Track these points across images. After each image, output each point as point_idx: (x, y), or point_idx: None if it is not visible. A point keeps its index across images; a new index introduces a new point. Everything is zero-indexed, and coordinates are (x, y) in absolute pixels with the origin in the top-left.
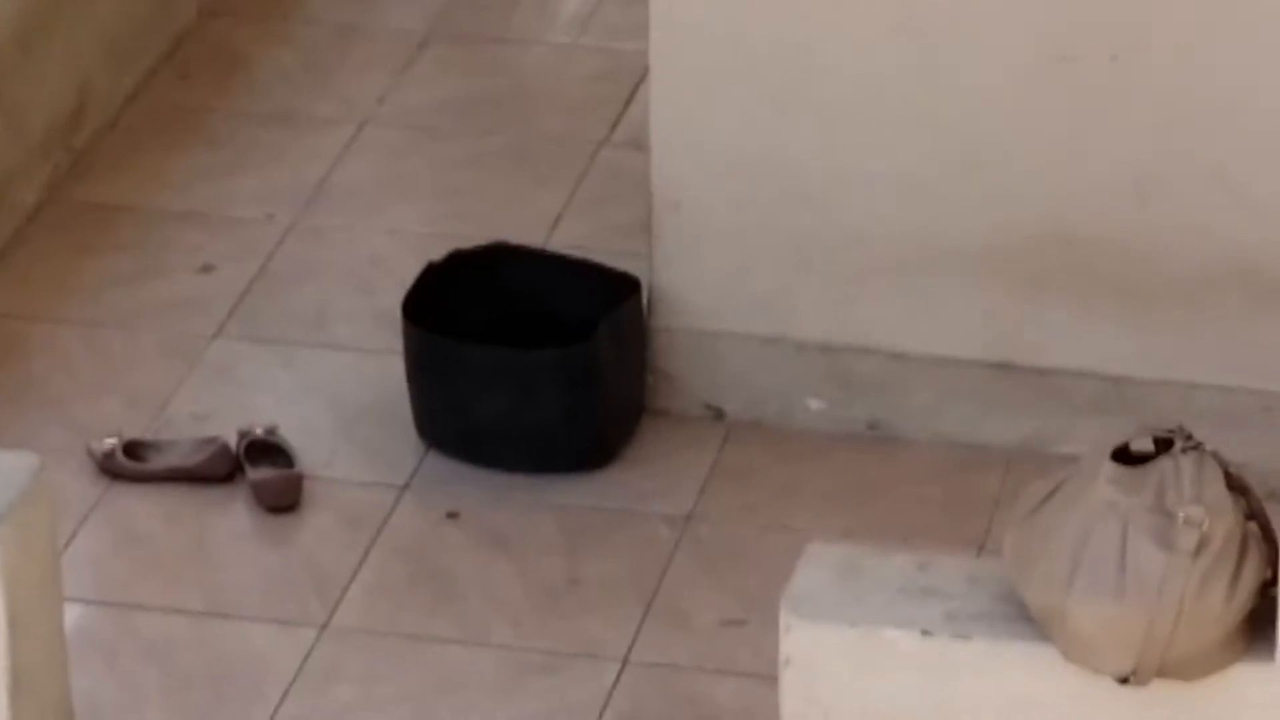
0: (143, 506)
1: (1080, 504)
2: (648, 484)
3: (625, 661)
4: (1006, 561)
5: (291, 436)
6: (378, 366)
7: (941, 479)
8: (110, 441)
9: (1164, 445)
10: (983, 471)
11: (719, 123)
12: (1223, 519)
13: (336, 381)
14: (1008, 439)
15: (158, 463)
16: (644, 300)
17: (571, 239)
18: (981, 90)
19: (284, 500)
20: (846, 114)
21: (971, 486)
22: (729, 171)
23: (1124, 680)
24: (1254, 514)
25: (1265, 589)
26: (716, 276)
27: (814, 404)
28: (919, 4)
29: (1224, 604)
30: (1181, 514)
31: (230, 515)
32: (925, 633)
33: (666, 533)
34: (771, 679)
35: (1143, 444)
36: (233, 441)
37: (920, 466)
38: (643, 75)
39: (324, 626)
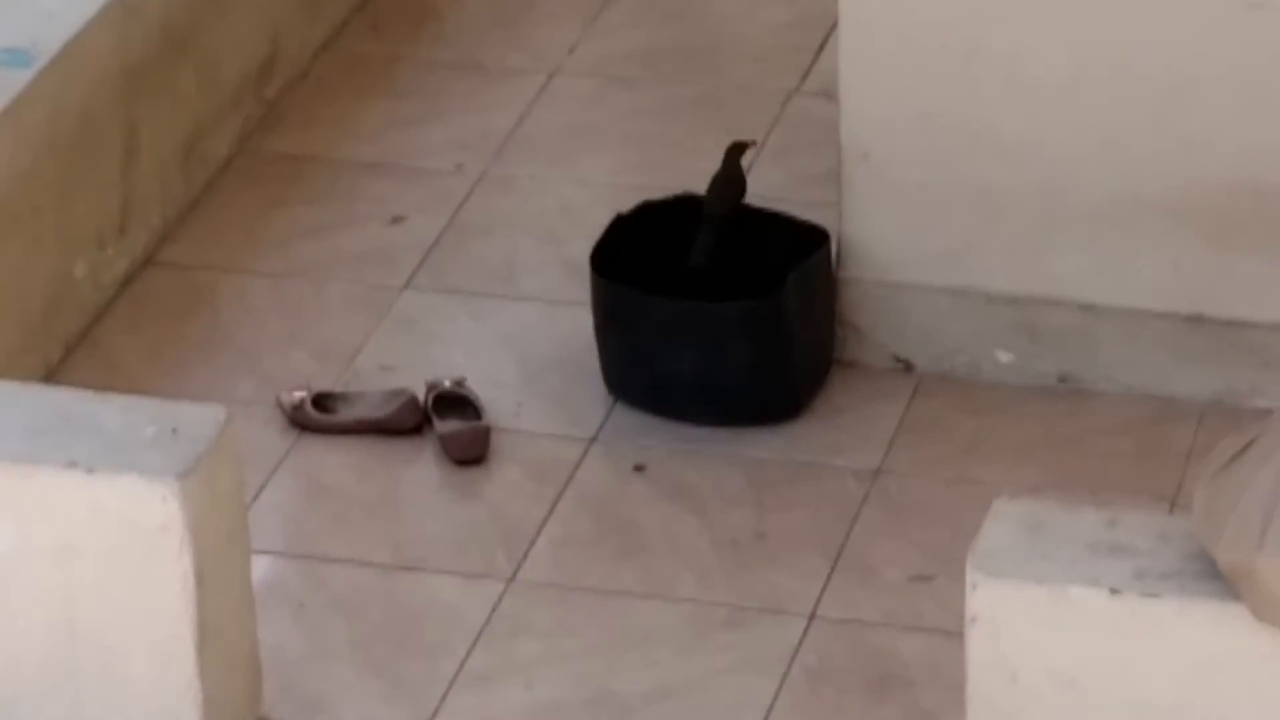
0: (331, 458)
1: (1272, 461)
2: (836, 437)
3: (812, 616)
4: (1196, 519)
5: (479, 388)
6: (566, 318)
7: (1132, 432)
8: (299, 393)
9: None
10: (1175, 425)
11: (908, 74)
12: None
13: (524, 333)
14: (1200, 392)
15: (346, 415)
16: (833, 251)
17: (761, 189)
18: (1171, 39)
19: (472, 453)
20: (1035, 65)
21: (1163, 440)
22: (918, 123)
23: None
24: None
25: None
26: (905, 228)
27: (1003, 356)
28: None
29: None
30: None
31: (418, 467)
32: (1113, 591)
33: (854, 486)
34: (958, 635)
35: None
36: (421, 393)
37: (1111, 420)
38: (834, 24)
39: (511, 579)
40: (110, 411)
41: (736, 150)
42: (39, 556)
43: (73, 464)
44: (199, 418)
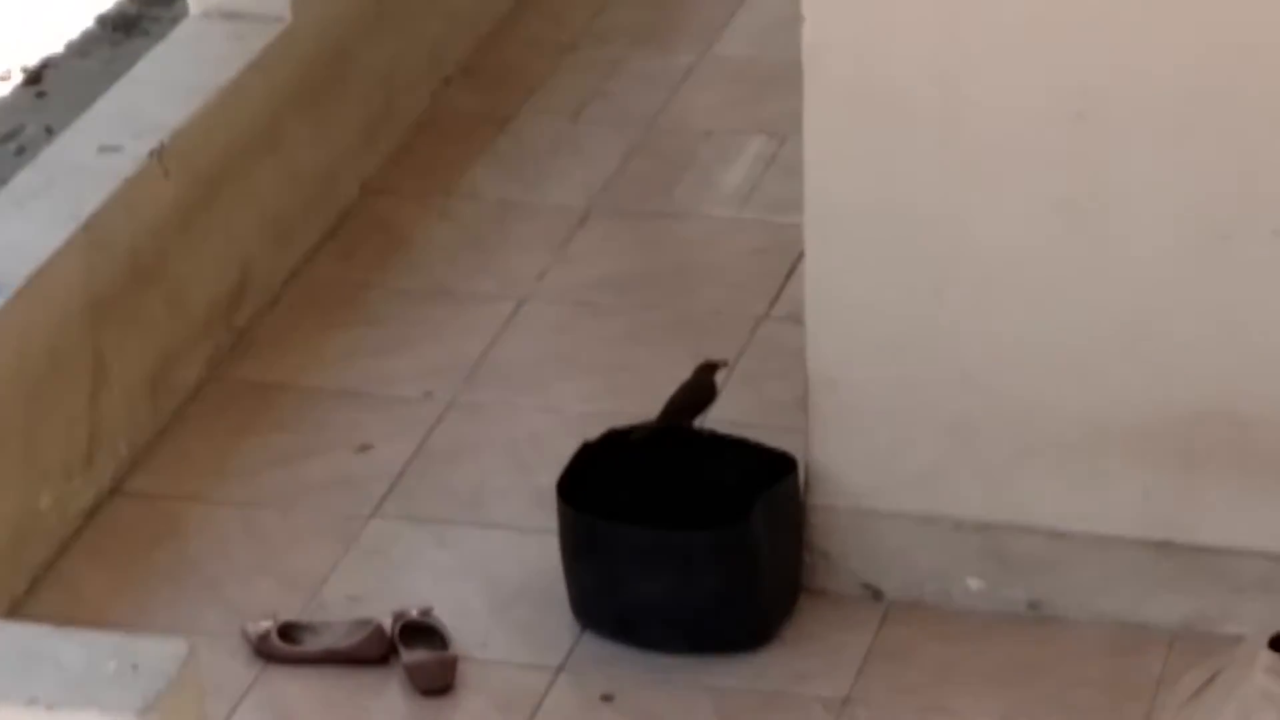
0: (297, 689)
1: (1237, 693)
2: (805, 665)
3: None
4: None
5: (446, 617)
6: (534, 546)
7: (1102, 659)
8: (265, 624)
9: None
10: (1145, 652)
11: (875, 300)
12: None
13: (492, 561)
14: (1170, 619)
15: (312, 645)
16: (801, 478)
17: (730, 415)
18: (1141, 268)
19: (438, 683)
20: (1003, 292)
21: (1133, 667)
22: (885, 349)
23: None
24: None
25: None
26: (874, 454)
27: (973, 583)
28: (1076, 182)
29: None
30: None
31: (385, 698)
32: None
33: (824, 715)
34: None
35: None
36: (387, 623)
37: (1081, 647)
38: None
39: None
40: (71, 647)
41: (707, 368)
42: None
43: (33, 701)
44: (160, 652)
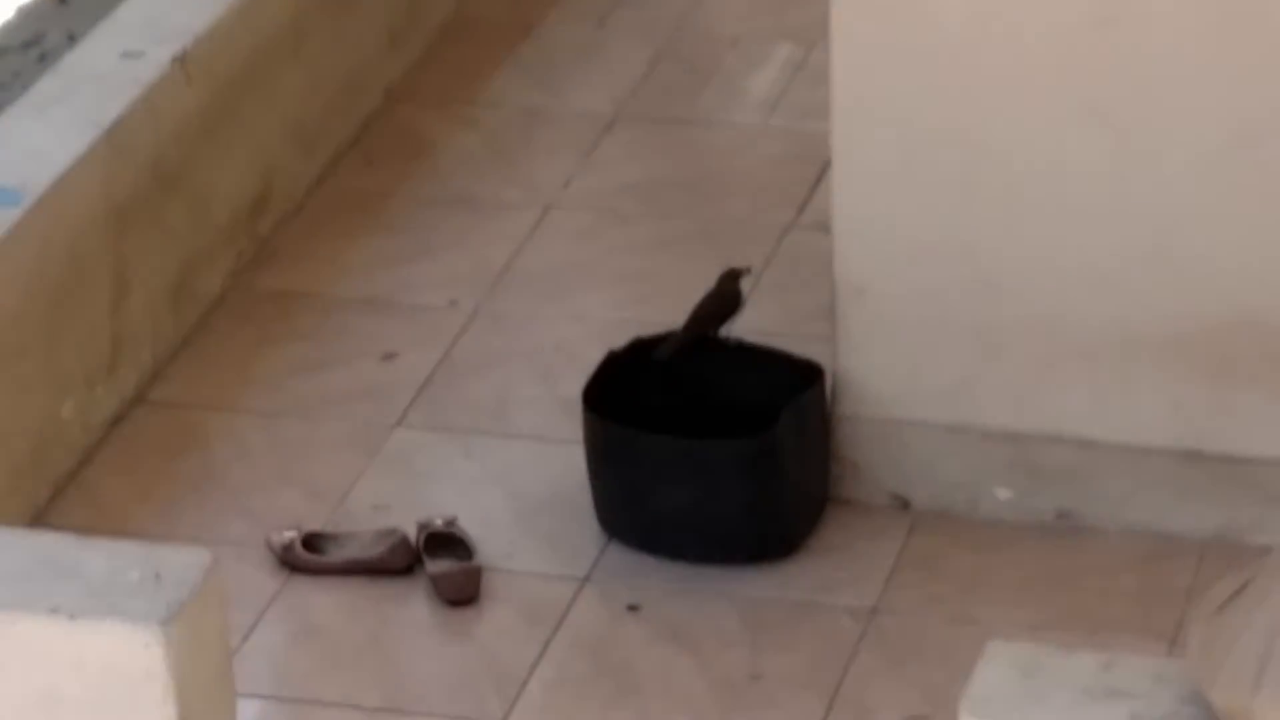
0: (321, 599)
1: (1269, 602)
2: (832, 575)
3: None
4: (1192, 661)
5: (471, 528)
6: (559, 456)
7: (1132, 570)
8: (289, 534)
9: None
10: (1175, 562)
11: (903, 209)
12: None
13: (517, 471)
14: (1200, 529)
15: (336, 555)
16: (828, 387)
17: (757, 324)
18: (1169, 175)
19: (463, 593)
20: (1031, 200)
21: (1163, 577)
22: (913, 258)
23: None
24: None
25: None
26: (901, 364)
27: (1001, 493)
28: (1103, 89)
29: None
30: None
31: (409, 608)
32: None
33: (851, 625)
34: None
35: None
36: (412, 533)
37: (1110, 557)
38: (830, 158)
39: None
40: (94, 557)
41: (731, 276)
42: (21, 704)
43: (55, 610)
44: (184, 562)
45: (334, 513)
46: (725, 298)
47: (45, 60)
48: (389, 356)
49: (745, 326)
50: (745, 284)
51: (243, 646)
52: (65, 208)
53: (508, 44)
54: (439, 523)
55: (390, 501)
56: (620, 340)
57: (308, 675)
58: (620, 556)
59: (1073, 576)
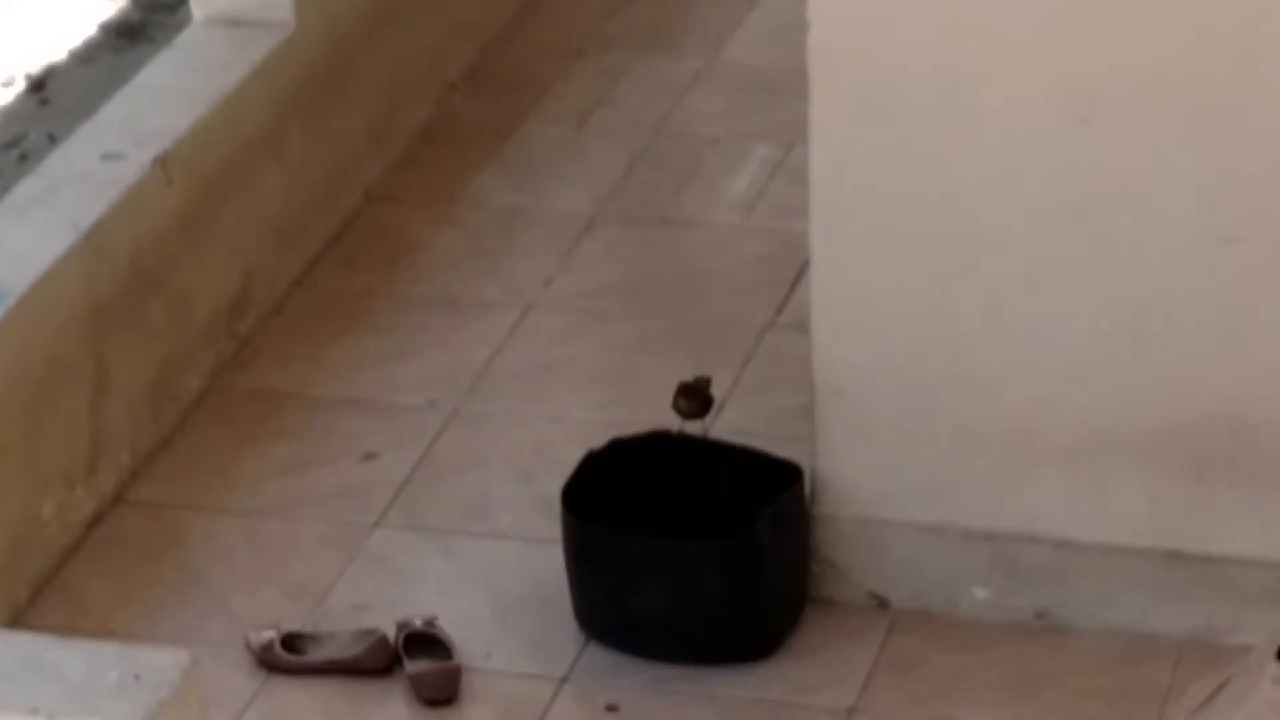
0: (300, 700)
1: (1245, 704)
2: (811, 675)
3: None
4: None
5: (450, 627)
6: (538, 555)
7: (1110, 670)
8: (268, 634)
9: None
10: (1153, 662)
11: (882, 308)
12: None
13: (496, 571)
14: (1178, 628)
15: (316, 655)
16: (807, 488)
17: (736, 424)
18: (1148, 273)
19: (442, 693)
20: (1011, 299)
21: (1141, 678)
22: (892, 358)
23: None
24: None
25: None
26: (880, 464)
27: (980, 593)
28: (1083, 189)
29: None
30: None
31: (388, 708)
32: None
33: None
34: None
35: None
36: (391, 633)
37: (1089, 657)
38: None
39: None
40: (73, 657)
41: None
42: None
43: (34, 711)
44: (163, 663)
45: (314, 612)
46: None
47: (26, 161)
48: (369, 456)
49: (724, 426)
50: (723, 386)
51: None
52: (45, 308)
53: (488, 145)
54: (418, 623)
55: (370, 601)
56: (599, 440)
57: None
58: (599, 656)
59: (1051, 676)
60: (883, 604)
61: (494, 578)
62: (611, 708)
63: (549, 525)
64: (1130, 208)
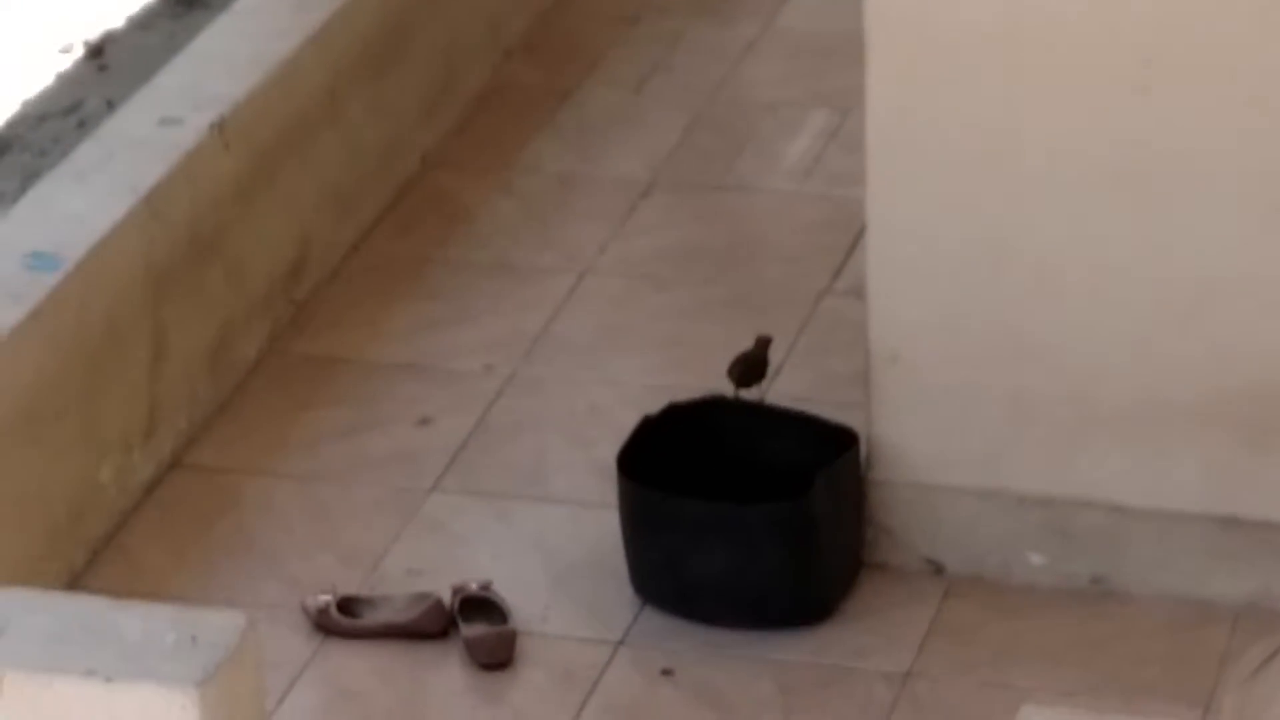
0: (356, 664)
1: None
2: (866, 640)
3: None
4: None
5: (506, 592)
6: (594, 520)
7: (1166, 636)
8: (324, 598)
9: None
10: (1209, 628)
11: (937, 275)
12: None
13: (552, 535)
14: (1235, 594)
15: (372, 619)
16: (862, 453)
17: (791, 390)
18: (1203, 240)
19: (497, 657)
20: (1065, 268)
21: (1197, 643)
22: (947, 325)
23: None
24: None
25: None
26: (935, 429)
27: (1035, 558)
28: (1138, 158)
29: None
30: None
31: (444, 673)
32: None
33: (884, 690)
34: None
35: None
36: (447, 597)
37: (1144, 623)
38: (865, 223)
39: None
40: (130, 619)
41: (760, 344)
42: None
43: (91, 672)
44: (219, 625)
45: (369, 577)
46: (751, 361)
47: (84, 127)
48: (424, 421)
49: (780, 392)
50: (779, 351)
51: (277, 710)
52: (103, 273)
53: (544, 110)
54: (474, 587)
55: (425, 566)
56: (655, 405)
57: None
58: (655, 621)
59: (1106, 642)
60: (938, 569)
61: (549, 542)
62: (667, 672)
63: (604, 490)
64: (1187, 174)
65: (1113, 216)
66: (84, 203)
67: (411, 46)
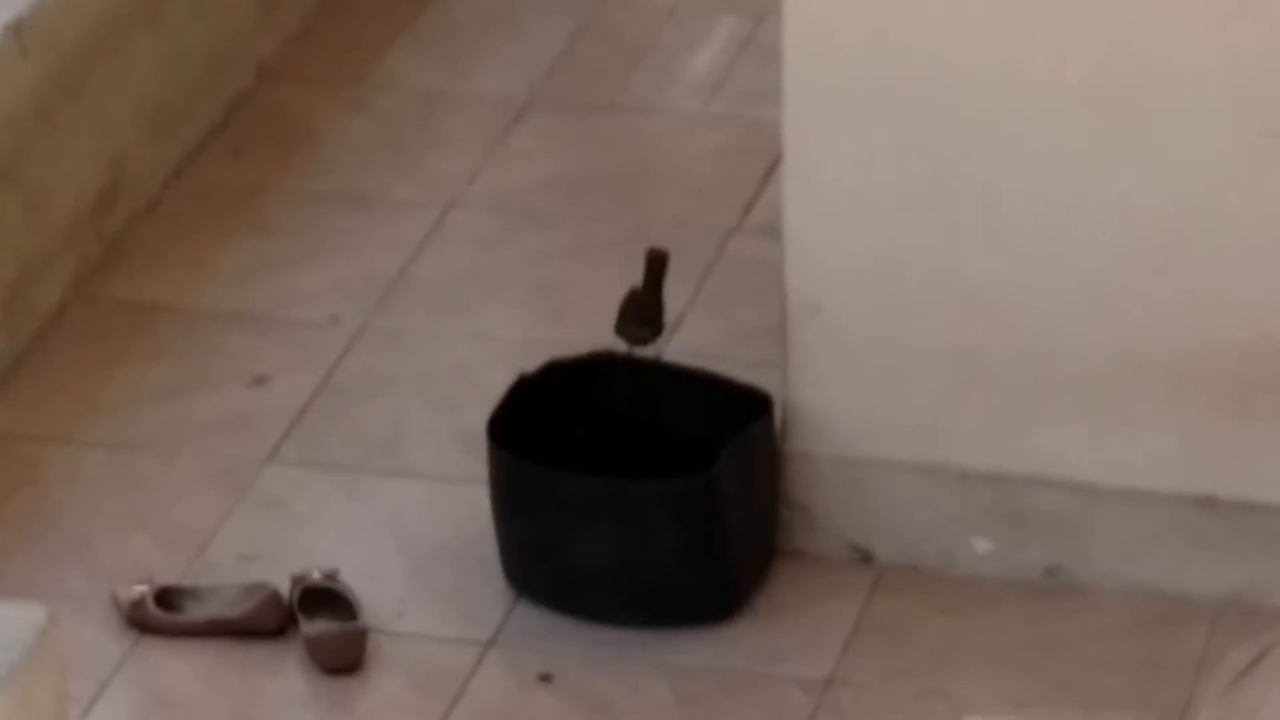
0: (177, 665)
1: None
2: (780, 641)
3: None
4: None
5: (355, 582)
6: (460, 498)
7: (1134, 637)
8: (140, 588)
9: None
10: (1184, 627)
11: (867, 210)
12: None
13: (410, 516)
14: (1214, 588)
15: (196, 613)
16: (777, 420)
17: (693, 346)
18: (1180, 172)
19: (344, 659)
20: (1018, 202)
21: (1170, 645)
22: (878, 270)
23: None
24: None
25: None
26: (864, 393)
27: (981, 545)
28: (1107, 64)
29: None
30: None
31: (281, 677)
32: None
33: (802, 699)
34: None
35: None
36: (285, 588)
37: (1108, 621)
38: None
39: None
40: None
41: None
42: None
43: None
44: (15, 620)
45: (193, 563)
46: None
47: None
48: (260, 380)
49: (681, 348)
50: (680, 300)
51: None
52: None
53: (403, 14)
54: (317, 576)
55: (260, 551)
56: (533, 363)
57: None
58: (531, 617)
59: (1063, 643)
60: (866, 557)
61: (407, 524)
62: (545, 678)
63: (472, 463)
64: (1160, 90)
65: (1074, 143)
66: None
67: None
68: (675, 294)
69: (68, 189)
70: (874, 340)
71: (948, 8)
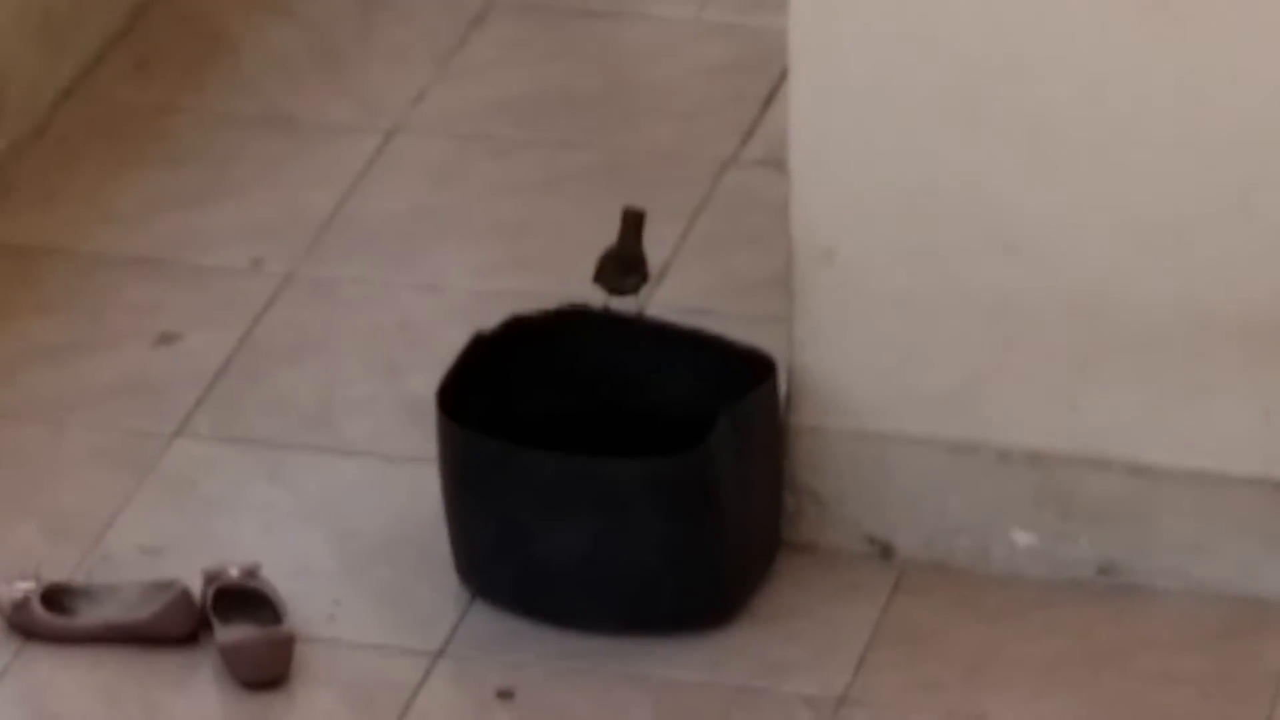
0: (67, 678)
1: None
2: (784, 651)
3: None
4: None
5: (280, 580)
6: (404, 480)
7: (1203, 647)
8: (24, 586)
9: None
10: (1262, 636)
11: (887, 140)
12: None
13: (345, 501)
14: None
15: (89, 617)
16: (781, 388)
17: (682, 299)
18: (1258, 97)
19: (267, 671)
20: (1065, 131)
21: (1246, 657)
22: (901, 208)
23: None
24: None
25: None
26: (884, 357)
27: (1022, 538)
28: None
29: None
30: None
31: (190, 692)
32: None
33: None
34: None
35: None
36: (196, 587)
37: (1173, 628)
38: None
39: None
40: None
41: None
42: None
43: None
44: None
45: (86, 557)
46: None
47: None
48: (167, 339)
49: (667, 301)
50: (666, 245)
51: None
52: None
53: None
54: (234, 573)
55: (166, 542)
56: (491, 319)
57: None
58: (488, 622)
59: (1119, 655)
60: (885, 552)
61: (342, 510)
62: (504, 694)
63: (419, 438)
64: (1233, 6)
65: (1133, 61)
66: None
67: None
68: (661, 237)
69: None
70: (896, 294)
71: None
